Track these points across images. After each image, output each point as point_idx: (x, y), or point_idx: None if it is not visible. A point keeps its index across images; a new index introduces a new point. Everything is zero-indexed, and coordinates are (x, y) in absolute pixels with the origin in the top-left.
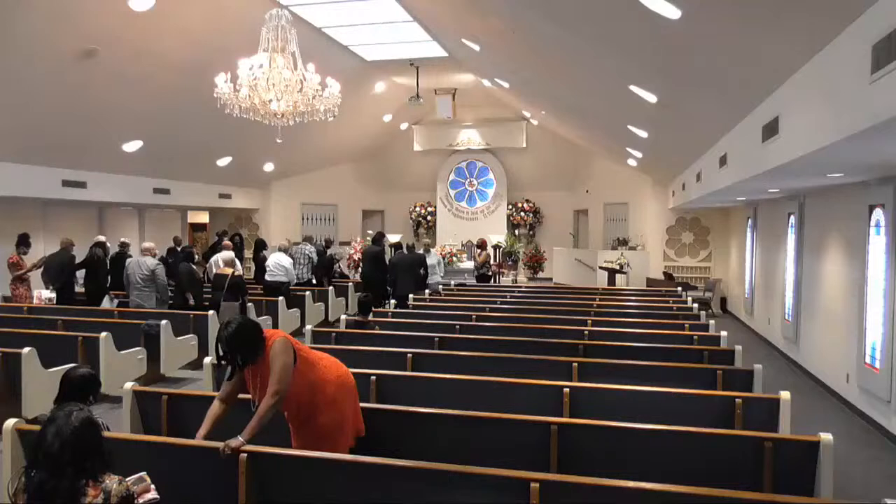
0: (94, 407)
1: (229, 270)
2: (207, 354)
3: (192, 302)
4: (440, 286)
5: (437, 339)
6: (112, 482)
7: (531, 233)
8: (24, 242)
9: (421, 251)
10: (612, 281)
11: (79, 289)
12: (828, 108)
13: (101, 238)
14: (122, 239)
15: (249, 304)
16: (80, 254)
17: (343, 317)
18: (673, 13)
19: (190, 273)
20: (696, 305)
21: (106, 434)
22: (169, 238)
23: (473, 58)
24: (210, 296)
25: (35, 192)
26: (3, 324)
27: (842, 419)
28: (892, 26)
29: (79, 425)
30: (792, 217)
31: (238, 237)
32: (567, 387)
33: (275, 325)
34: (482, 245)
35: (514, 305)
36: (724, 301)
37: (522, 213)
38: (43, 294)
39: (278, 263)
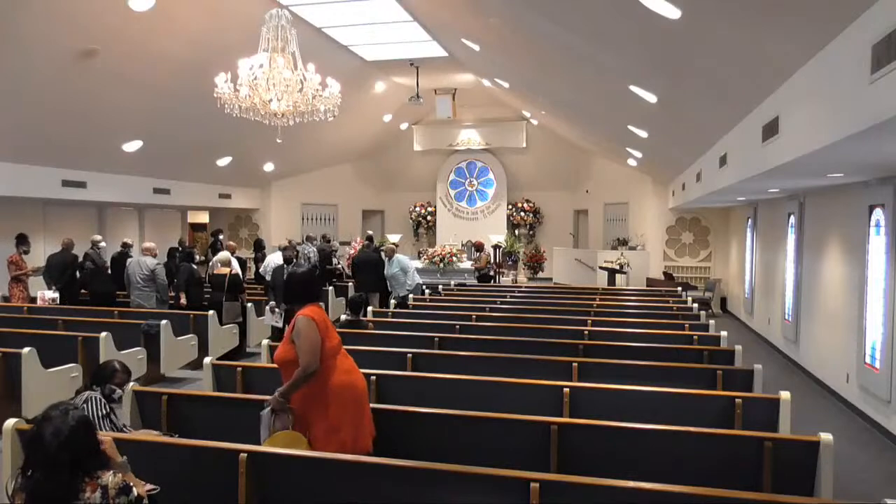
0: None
1: (226, 270)
2: (207, 354)
3: (183, 301)
4: (410, 296)
5: (437, 339)
6: (107, 476)
7: (531, 233)
8: (23, 242)
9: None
10: (612, 281)
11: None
12: (828, 108)
13: (97, 237)
14: (125, 240)
15: (249, 304)
16: (80, 253)
17: (343, 317)
18: (673, 13)
19: (189, 273)
20: (696, 305)
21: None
22: (169, 238)
23: (473, 58)
24: (209, 296)
25: (35, 192)
26: (3, 324)
27: (842, 419)
28: (892, 26)
29: (76, 425)
30: (792, 217)
31: (218, 232)
32: (567, 387)
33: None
34: (480, 247)
35: (514, 305)
36: (724, 301)
37: (522, 213)
38: (46, 294)
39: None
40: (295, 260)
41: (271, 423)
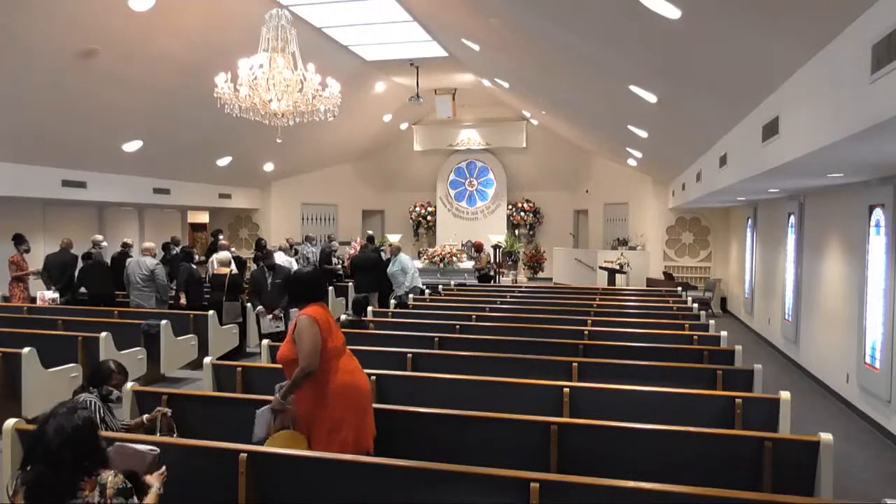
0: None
1: (226, 270)
2: (207, 354)
3: (183, 301)
4: (410, 296)
5: (437, 339)
6: (107, 475)
7: (531, 233)
8: (22, 241)
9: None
10: (612, 281)
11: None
12: (828, 108)
13: (99, 237)
14: (125, 240)
15: (249, 304)
16: (80, 253)
17: (343, 317)
18: (673, 13)
19: (189, 273)
20: (696, 305)
21: (107, 433)
22: (169, 238)
23: (473, 58)
24: (209, 296)
25: (35, 192)
26: (3, 324)
27: (842, 419)
28: (892, 26)
29: (80, 424)
30: (792, 217)
31: (218, 232)
32: (567, 387)
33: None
34: (479, 248)
35: (514, 305)
36: (724, 301)
37: (522, 213)
38: (46, 294)
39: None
40: (280, 266)
41: (272, 422)
